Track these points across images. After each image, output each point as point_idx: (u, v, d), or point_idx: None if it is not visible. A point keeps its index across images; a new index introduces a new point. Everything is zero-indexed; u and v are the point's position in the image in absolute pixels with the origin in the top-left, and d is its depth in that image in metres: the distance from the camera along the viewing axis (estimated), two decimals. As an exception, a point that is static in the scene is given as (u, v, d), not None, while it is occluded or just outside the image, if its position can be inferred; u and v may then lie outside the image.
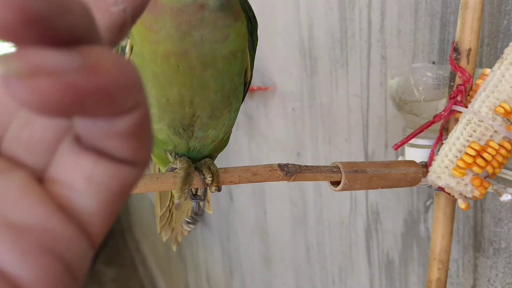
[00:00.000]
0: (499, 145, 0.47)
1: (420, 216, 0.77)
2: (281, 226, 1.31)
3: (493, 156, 0.47)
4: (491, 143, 0.47)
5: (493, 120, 0.47)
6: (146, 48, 0.46)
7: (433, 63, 0.67)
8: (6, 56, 0.13)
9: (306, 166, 0.49)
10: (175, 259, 2.91)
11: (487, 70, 0.50)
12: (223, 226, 1.84)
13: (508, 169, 0.59)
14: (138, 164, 0.17)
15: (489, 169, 0.47)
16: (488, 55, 0.59)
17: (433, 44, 0.67)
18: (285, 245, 1.31)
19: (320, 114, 1.01)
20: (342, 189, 0.49)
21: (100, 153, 0.16)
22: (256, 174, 0.47)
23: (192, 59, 0.46)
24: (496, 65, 0.49)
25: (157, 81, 0.47)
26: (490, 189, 0.53)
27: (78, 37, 0.14)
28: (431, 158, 0.53)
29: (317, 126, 1.03)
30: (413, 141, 0.59)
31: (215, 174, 0.49)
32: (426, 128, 0.54)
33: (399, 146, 0.57)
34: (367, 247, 0.93)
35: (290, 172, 0.48)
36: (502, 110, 0.46)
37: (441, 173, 0.49)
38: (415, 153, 0.58)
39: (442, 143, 0.52)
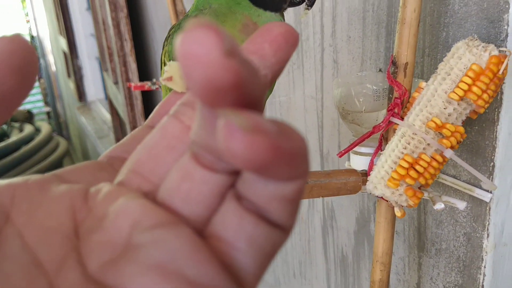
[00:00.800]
0: (431, 157, 0.50)
1: (371, 216, 0.79)
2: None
3: (425, 168, 0.49)
4: (423, 156, 0.49)
5: (426, 134, 0.49)
6: None
7: (380, 70, 0.69)
8: (236, 112, 0.14)
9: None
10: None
11: (423, 84, 0.52)
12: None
13: (447, 174, 0.62)
14: (287, 229, 0.18)
15: (422, 180, 0.50)
16: (429, 66, 0.61)
17: (380, 52, 0.69)
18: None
19: (279, 113, 1.02)
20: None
21: (260, 215, 0.17)
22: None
23: None
24: (431, 79, 0.51)
25: None
26: (426, 197, 0.56)
27: (259, 103, 0.16)
28: (370, 167, 0.55)
29: (277, 124, 1.04)
30: (357, 149, 0.61)
31: None
32: (366, 138, 0.56)
33: (342, 154, 0.59)
34: (323, 243, 0.96)
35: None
36: (433, 125, 0.49)
37: (377, 183, 0.52)
38: (358, 161, 0.60)
39: (381, 153, 0.54)
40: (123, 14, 1.68)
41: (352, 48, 0.75)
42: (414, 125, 0.50)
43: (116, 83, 2.06)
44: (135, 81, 1.71)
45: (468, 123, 0.57)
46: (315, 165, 0.93)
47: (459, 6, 0.55)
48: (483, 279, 0.60)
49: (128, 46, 1.70)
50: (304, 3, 0.55)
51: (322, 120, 0.87)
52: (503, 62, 0.47)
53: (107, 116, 3.16)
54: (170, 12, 1.20)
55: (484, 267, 0.60)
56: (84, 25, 3.73)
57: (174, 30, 0.55)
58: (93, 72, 3.95)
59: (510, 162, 0.56)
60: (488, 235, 0.58)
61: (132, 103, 1.80)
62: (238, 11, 0.50)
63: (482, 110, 0.50)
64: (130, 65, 1.72)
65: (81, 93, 4.23)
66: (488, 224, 0.58)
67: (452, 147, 0.49)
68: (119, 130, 2.40)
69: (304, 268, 1.05)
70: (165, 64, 0.57)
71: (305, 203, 0.99)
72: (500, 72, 0.47)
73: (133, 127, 1.82)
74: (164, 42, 0.56)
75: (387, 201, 0.55)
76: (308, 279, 1.05)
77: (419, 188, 0.52)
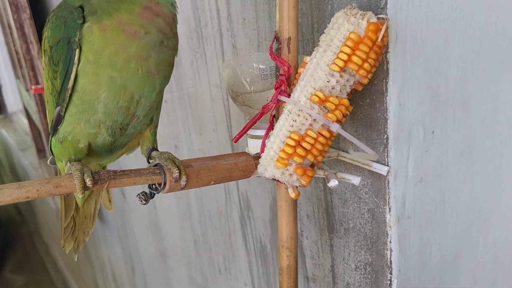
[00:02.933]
0: (318, 133, 0.47)
1: (283, 202, 0.77)
2: (170, 220, 1.29)
3: (312, 145, 0.47)
4: (309, 132, 0.47)
5: (311, 109, 0.47)
6: (106, 53, 0.48)
7: (274, 50, 0.66)
8: None
9: (123, 171, 0.47)
10: (83, 260, 2.80)
11: (307, 58, 0.50)
12: (120, 223, 1.78)
13: (347, 151, 0.60)
14: None
15: (310, 157, 0.48)
16: (318, 41, 0.59)
17: (273, 32, 0.67)
18: (175, 238, 1.29)
19: (189, 105, 0.99)
20: (169, 190, 0.48)
21: None
22: (59, 186, 0.43)
23: (151, 63, 0.50)
24: (314, 52, 0.49)
25: (112, 85, 0.49)
26: (322, 175, 0.54)
27: None
28: (262, 149, 0.52)
29: (187, 117, 1.00)
30: (251, 132, 0.58)
31: (180, 167, 0.51)
32: (258, 119, 0.53)
33: (237, 139, 0.56)
34: (243, 234, 0.93)
35: (101, 179, 0.45)
36: (316, 99, 0.47)
37: (267, 165, 0.49)
38: (254, 144, 0.58)
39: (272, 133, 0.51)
40: (26, 15, 1.58)
41: (248, 30, 0.72)
42: (299, 101, 0.48)
43: (28, 89, 1.94)
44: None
45: (360, 96, 0.55)
46: (227, 156, 0.89)
47: (340, -23, 0.53)
48: (390, 254, 0.60)
49: (35, 48, 1.60)
50: None
51: (228, 108, 0.84)
52: (381, 29, 0.46)
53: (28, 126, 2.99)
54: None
55: (390, 242, 0.59)
56: (-3, 31, 3.52)
57: (54, 13, 0.51)
58: (11, 82, 3.74)
59: (404, 133, 0.55)
60: (389, 209, 0.57)
61: (44, 109, 1.69)
62: None
63: (365, 81, 0.48)
64: (38, 69, 1.62)
65: (0, 105, 3.99)
66: (389, 198, 0.57)
67: (338, 121, 0.47)
68: (39, 140, 2.27)
69: (229, 263, 1.02)
70: (45, 52, 0.52)
71: (221, 195, 0.96)
72: (379, 39, 0.46)
73: (48, 134, 1.72)
74: (44, 28, 0.52)
75: (282, 182, 0.52)
76: (233, 274, 1.02)
77: (312, 166, 0.50)
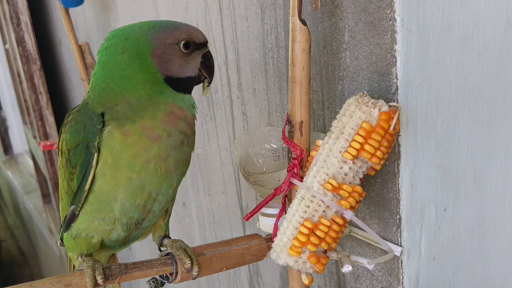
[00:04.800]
0: (332, 220, 0.47)
1: (293, 270, 0.77)
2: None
3: (325, 233, 0.47)
4: (323, 220, 0.47)
5: (325, 195, 0.47)
6: (125, 156, 0.48)
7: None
8: None
9: (134, 264, 0.47)
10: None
11: (320, 142, 0.51)
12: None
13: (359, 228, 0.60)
14: None
15: (324, 245, 0.47)
16: (330, 118, 0.60)
17: (284, 104, 0.68)
18: (182, 295, 1.27)
19: (198, 165, 0.99)
20: (181, 281, 0.47)
21: None
22: (70, 285, 0.43)
23: (170, 163, 0.51)
24: (326, 137, 0.50)
25: (130, 186, 0.50)
26: (335, 257, 0.54)
27: None
28: (275, 232, 0.52)
29: (196, 177, 1.01)
30: (264, 210, 0.58)
31: (192, 257, 0.51)
32: (270, 200, 0.53)
33: (248, 217, 0.56)
34: (252, 299, 0.91)
35: (113, 275, 0.45)
36: (330, 187, 0.47)
37: (280, 251, 0.49)
38: (266, 222, 0.58)
39: (284, 217, 0.51)
40: (36, 66, 1.61)
41: (258, 100, 0.73)
42: (312, 187, 0.48)
43: (35, 137, 1.96)
44: (53, 135, 1.63)
45: (372, 175, 0.56)
46: (235, 219, 0.89)
47: (350, 60, 0.54)
48: (405, 333, 0.58)
49: (44, 99, 1.62)
50: (206, 80, 0.57)
51: (238, 172, 0.85)
52: (393, 118, 0.47)
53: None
54: (78, 66, 1.16)
55: (404, 321, 0.58)
56: (6, 74, 3.57)
57: (73, 117, 0.51)
58: (18, 123, 3.77)
59: (416, 213, 0.55)
60: (403, 288, 0.56)
61: (52, 158, 1.70)
62: (161, 101, 0.50)
63: (378, 167, 0.48)
64: (47, 119, 1.64)
65: (6, 146, 4.02)
66: (402, 278, 0.56)
67: (351, 208, 0.47)
68: (45, 185, 2.27)
69: (237, 326, 1.00)
70: (62, 154, 0.53)
71: (230, 258, 0.95)
72: (391, 128, 0.46)
73: (55, 183, 1.72)
74: (61, 128, 0.53)
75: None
76: (241, 337, 1.00)
77: (325, 251, 0.50)
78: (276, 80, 0.68)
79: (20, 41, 1.62)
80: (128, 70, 0.49)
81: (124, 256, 1.70)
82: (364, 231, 0.51)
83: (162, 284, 0.50)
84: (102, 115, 0.49)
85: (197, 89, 0.87)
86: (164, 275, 0.50)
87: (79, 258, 0.53)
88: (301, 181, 0.50)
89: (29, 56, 1.63)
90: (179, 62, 0.50)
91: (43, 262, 3.78)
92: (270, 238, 0.53)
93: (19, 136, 3.81)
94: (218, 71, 0.81)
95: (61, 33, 1.63)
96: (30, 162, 3.45)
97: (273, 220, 0.56)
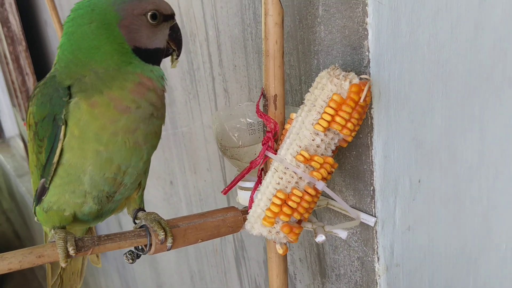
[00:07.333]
0: (304, 191, 0.48)
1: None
2: (167, 254, 1.29)
3: (298, 203, 0.48)
4: (295, 191, 0.48)
5: (297, 167, 0.48)
6: (92, 128, 0.48)
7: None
8: None
9: (108, 236, 0.47)
10: None
11: (293, 115, 0.51)
12: (118, 253, 1.77)
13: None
14: None
15: (296, 215, 0.48)
16: (307, 93, 0.60)
17: (263, 80, 0.68)
18: (172, 272, 1.29)
19: (183, 143, 1.00)
20: (155, 252, 0.48)
21: None
22: (42, 256, 0.44)
23: (139, 135, 0.51)
24: (299, 110, 0.50)
25: (98, 159, 0.50)
26: (310, 228, 0.55)
27: None
28: (250, 203, 0.53)
29: (182, 155, 1.01)
30: (241, 183, 0.59)
31: (166, 228, 0.51)
32: (246, 174, 0.54)
33: (226, 191, 0.57)
34: (238, 274, 0.93)
35: (85, 246, 0.46)
36: (302, 158, 0.48)
37: (254, 222, 0.50)
38: (244, 196, 0.59)
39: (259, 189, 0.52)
40: (21, 47, 1.60)
41: (238, 77, 0.74)
42: (285, 159, 0.49)
43: (23, 119, 1.95)
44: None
45: (347, 147, 0.57)
46: (221, 196, 0.90)
47: (325, 34, 0.55)
48: (381, 301, 0.60)
49: (31, 80, 1.61)
50: (174, 53, 0.57)
51: (221, 149, 0.85)
52: (363, 90, 0.47)
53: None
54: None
55: (380, 290, 0.60)
56: (-4, 57, 3.53)
57: (39, 89, 0.52)
58: (8, 106, 3.75)
59: (390, 184, 0.56)
60: (378, 258, 0.58)
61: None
62: (130, 71, 0.50)
63: (350, 139, 0.49)
64: (35, 101, 1.63)
65: (-2, 129, 3.99)
66: (377, 247, 0.58)
67: (324, 179, 0.48)
68: (36, 168, 2.27)
69: (224, 300, 1.02)
70: (30, 127, 0.53)
71: (216, 234, 0.96)
72: (361, 100, 0.47)
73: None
74: (29, 102, 0.53)
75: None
76: (228, 311, 1.02)
77: (299, 222, 0.51)
78: (255, 56, 0.68)
79: (5, 22, 1.61)
80: (95, 41, 0.49)
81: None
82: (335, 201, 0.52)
83: (138, 256, 0.51)
84: (69, 87, 0.49)
85: (179, 67, 0.88)
86: (140, 247, 0.51)
87: (52, 231, 0.54)
88: (275, 154, 0.51)
89: (14, 37, 1.62)
90: (147, 33, 0.51)
91: (39, 242, 3.80)
92: (246, 211, 0.54)
93: (10, 119, 3.79)
94: (199, 48, 0.81)
95: (46, 13, 1.61)
96: (22, 145, 3.44)
97: (250, 193, 0.57)
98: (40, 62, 1.76)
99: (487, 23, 0.59)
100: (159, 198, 1.20)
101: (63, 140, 0.49)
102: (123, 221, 1.53)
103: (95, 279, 2.33)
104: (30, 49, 1.65)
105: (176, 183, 1.09)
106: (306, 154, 0.48)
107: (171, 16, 0.54)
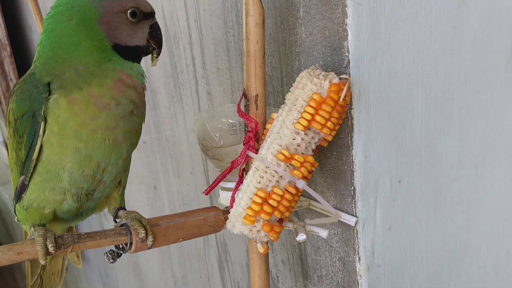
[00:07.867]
0: (285, 190, 0.49)
1: (259, 247, 0.78)
2: (150, 260, 1.28)
3: (278, 202, 0.48)
4: (276, 190, 0.48)
5: (278, 166, 0.48)
6: (71, 125, 0.48)
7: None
8: None
9: (88, 234, 0.47)
10: (64, 297, 2.74)
11: (274, 115, 0.52)
12: (101, 260, 1.76)
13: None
14: None
15: (277, 214, 0.49)
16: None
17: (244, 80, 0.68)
18: (156, 279, 1.28)
19: (167, 147, 0.99)
20: (136, 250, 0.48)
21: None
22: (21, 253, 0.44)
23: (119, 132, 0.51)
24: (280, 110, 0.51)
25: (77, 156, 0.50)
26: (291, 227, 0.55)
27: None
28: (232, 203, 0.53)
29: (166, 159, 1.01)
30: (223, 184, 0.59)
31: (147, 227, 0.51)
32: (227, 174, 0.54)
33: (208, 191, 0.56)
34: (221, 278, 0.93)
35: (65, 244, 0.45)
36: (282, 157, 0.48)
37: (235, 221, 0.50)
38: (225, 196, 0.59)
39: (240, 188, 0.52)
40: (6, 53, 1.58)
41: (221, 79, 0.74)
42: (266, 158, 0.49)
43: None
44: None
45: (328, 148, 0.57)
46: (204, 199, 0.90)
47: (306, 35, 0.55)
48: (362, 302, 0.60)
49: (15, 86, 1.60)
50: (155, 51, 0.58)
51: (205, 152, 0.85)
52: (343, 89, 0.48)
53: (9, 159, 2.96)
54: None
55: (361, 290, 0.60)
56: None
57: (19, 86, 0.51)
58: (-7, 113, 3.70)
59: (371, 184, 0.57)
60: (359, 258, 0.58)
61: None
62: (110, 67, 0.50)
63: (330, 138, 0.50)
64: (19, 107, 1.61)
65: (-19, 137, 3.94)
66: (358, 247, 0.58)
67: (304, 177, 0.49)
68: (19, 175, 2.24)
69: (208, 305, 1.02)
70: (9, 124, 0.53)
71: (200, 238, 0.96)
72: (341, 99, 0.48)
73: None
74: (8, 99, 0.53)
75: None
76: (212, 317, 1.01)
77: (280, 221, 0.51)
78: (238, 58, 0.69)
79: (-12, 27, 1.60)
80: (75, 37, 0.49)
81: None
82: (318, 201, 0.52)
83: (119, 255, 0.51)
84: (49, 84, 0.49)
85: (163, 70, 0.87)
86: (120, 246, 0.50)
87: (31, 228, 0.53)
88: (257, 154, 0.51)
89: (-1, 42, 1.61)
90: (126, 30, 0.51)
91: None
92: (227, 211, 0.54)
93: (-6, 126, 3.75)
94: (183, 51, 0.81)
95: (31, 19, 1.60)
96: (5, 153, 3.39)
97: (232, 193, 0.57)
98: (25, 68, 1.74)
99: (465, 26, 0.60)
100: (143, 203, 1.19)
101: (43, 137, 0.49)
102: (106, 225, 1.52)
103: (78, 287, 2.30)
104: (15, 55, 1.64)
105: (159, 188, 1.09)
106: (286, 153, 0.48)
107: (151, 14, 0.54)
